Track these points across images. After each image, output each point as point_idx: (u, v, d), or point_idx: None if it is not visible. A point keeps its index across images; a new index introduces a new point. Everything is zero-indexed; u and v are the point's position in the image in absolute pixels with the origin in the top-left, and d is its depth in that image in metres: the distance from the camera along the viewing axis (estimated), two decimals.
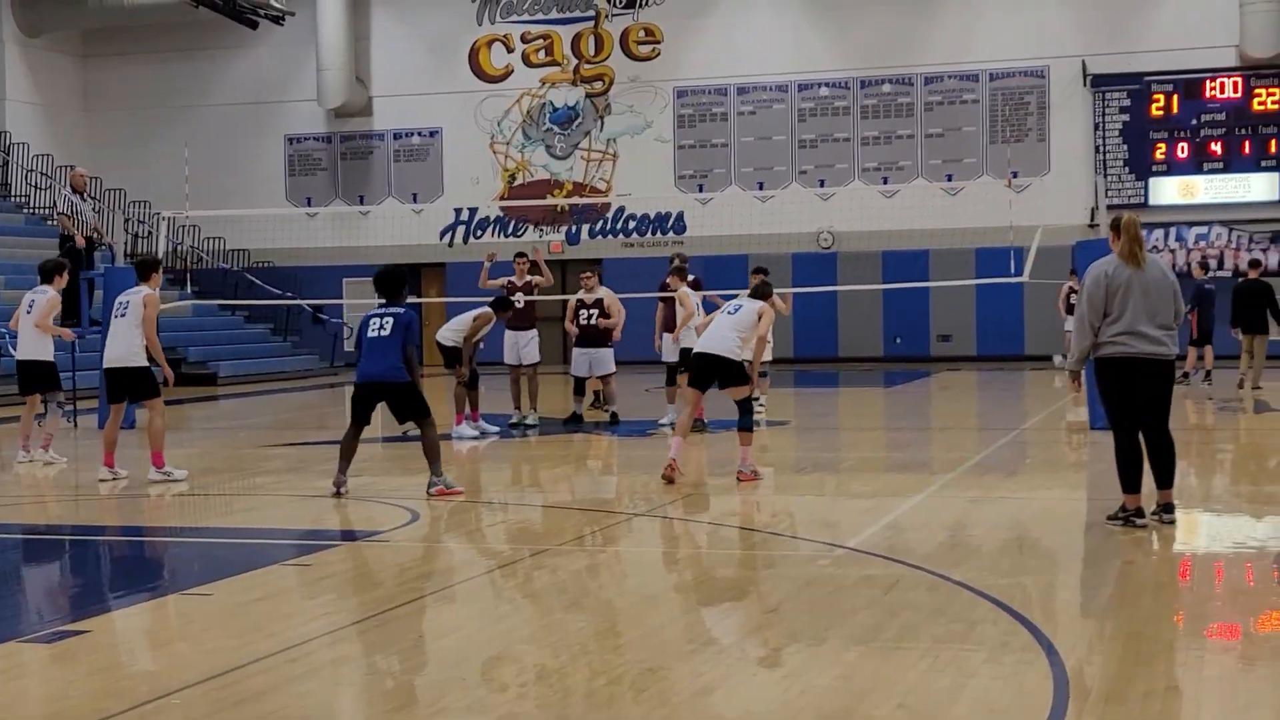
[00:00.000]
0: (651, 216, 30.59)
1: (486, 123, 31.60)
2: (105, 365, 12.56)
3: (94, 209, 21.58)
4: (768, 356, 18.03)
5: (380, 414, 11.58)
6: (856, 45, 29.56)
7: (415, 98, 31.71)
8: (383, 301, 11.28)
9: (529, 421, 16.68)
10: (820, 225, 29.27)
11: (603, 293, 17.17)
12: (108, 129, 33.08)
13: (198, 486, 12.27)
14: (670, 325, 16.85)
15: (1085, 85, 28.49)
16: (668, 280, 16.91)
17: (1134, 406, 9.03)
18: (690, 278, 16.86)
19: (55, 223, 22.47)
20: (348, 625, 6.93)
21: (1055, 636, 6.36)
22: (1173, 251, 27.45)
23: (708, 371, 11.86)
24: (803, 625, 6.73)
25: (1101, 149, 28.29)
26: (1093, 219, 26.51)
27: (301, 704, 5.63)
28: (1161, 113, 28.03)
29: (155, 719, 5.41)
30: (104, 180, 29.66)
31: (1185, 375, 21.20)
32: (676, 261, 17.21)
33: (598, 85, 31.14)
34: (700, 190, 30.23)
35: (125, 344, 12.30)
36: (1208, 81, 27.83)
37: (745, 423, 11.77)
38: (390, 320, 11.00)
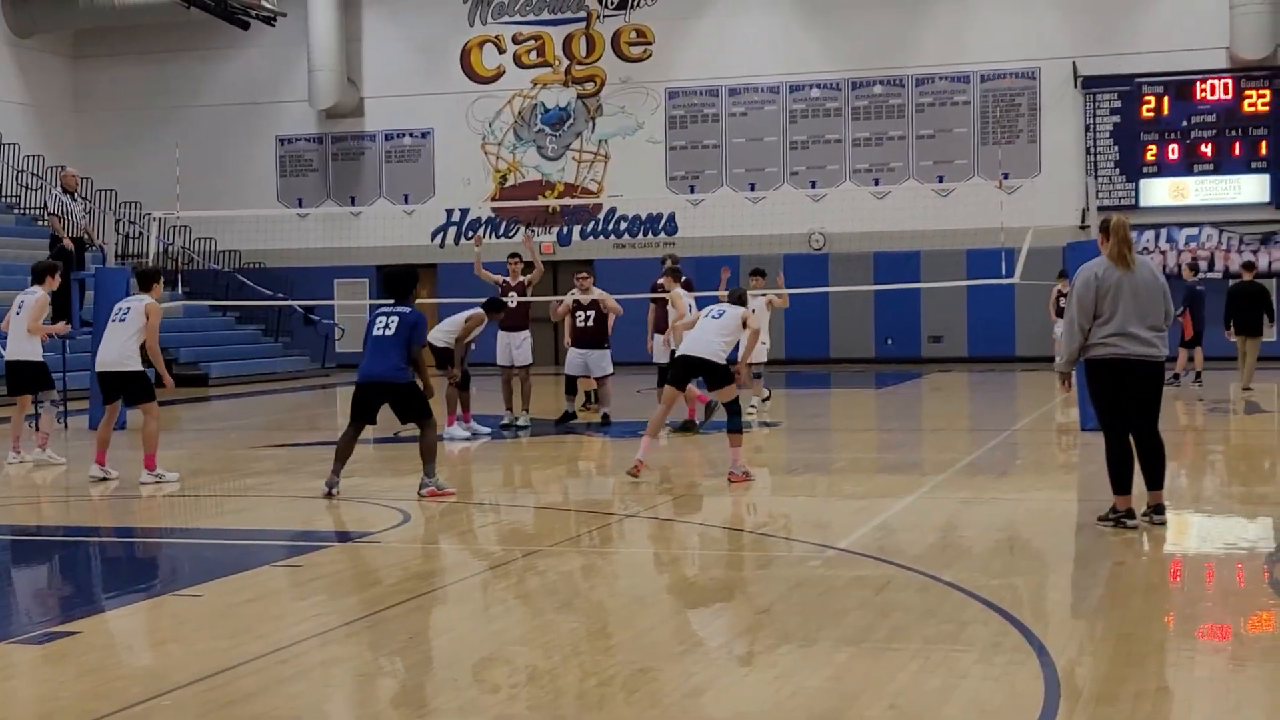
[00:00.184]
0: (643, 218, 30.60)
1: (478, 124, 31.59)
2: (97, 368, 12.54)
3: (85, 210, 21.54)
4: (762, 358, 18.17)
5: (380, 415, 11.53)
6: (848, 47, 29.58)
7: (406, 99, 31.70)
8: (391, 300, 11.26)
9: (520, 423, 16.67)
10: (811, 226, 29.30)
11: (598, 294, 17.20)
12: (99, 129, 33.02)
13: (189, 487, 12.25)
14: (662, 327, 16.86)
15: (1076, 87, 28.54)
16: (661, 282, 16.93)
17: (1124, 408, 9.04)
18: (682, 279, 16.88)
19: (46, 223, 22.44)
20: (339, 626, 6.92)
21: (1046, 637, 6.37)
22: (1163, 253, 27.49)
23: (691, 373, 11.94)
24: (794, 626, 6.73)
25: (1092, 150, 28.34)
26: (1083, 220, 26.54)
27: (292, 705, 5.62)
28: (1152, 114, 28.08)
29: None
30: (95, 181, 29.62)
31: (1176, 377, 21.24)
32: (669, 263, 17.22)
33: (589, 86, 31.15)
34: (692, 191, 30.24)
35: (119, 349, 12.28)
36: (1198, 83, 27.88)
37: (734, 424, 11.78)
38: (396, 320, 10.98)
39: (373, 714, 5.68)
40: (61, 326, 15.40)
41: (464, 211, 30.91)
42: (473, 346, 16.16)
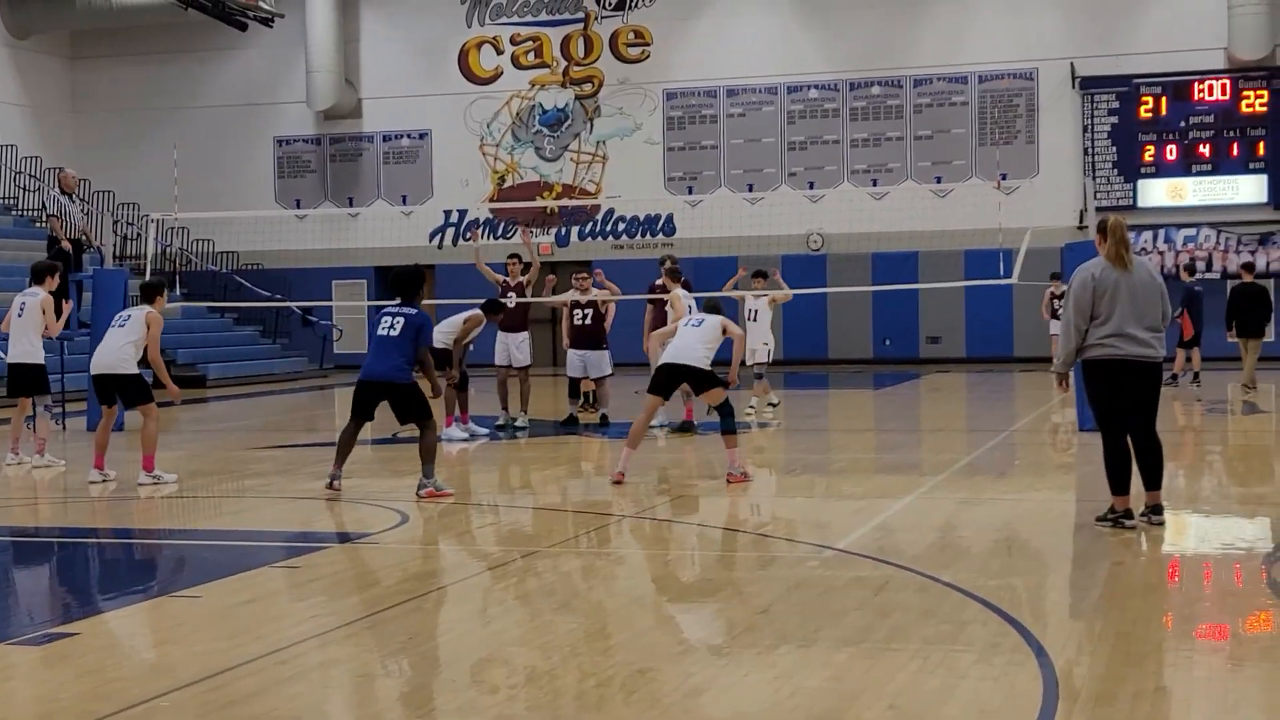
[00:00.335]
0: (641, 219, 30.60)
1: (476, 125, 31.59)
2: (92, 370, 12.53)
3: (83, 211, 21.54)
4: (766, 358, 18.22)
5: (377, 414, 11.54)
6: (845, 47, 29.59)
7: (404, 100, 31.69)
8: (398, 300, 11.26)
9: (519, 424, 16.67)
10: (810, 227, 29.30)
11: (596, 294, 17.23)
12: (96, 131, 33.01)
13: (187, 489, 12.25)
14: (659, 328, 16.84)
15: (1074, 87, 28.55)
16: (661, 283, 16.95)
17: (1121, 409, 9.05)
18: (682, 279, 16.91)
19: (45, 225, 22.43)
20: (337, 627, 6.92)
21: (1045, 637, 6.38)
22: (1161, 253, 27.49)
23: (675, 381, 12.00)
24: (793, 626, 6.73)
25: (1090, 151, 28.35)
26: (1081, 221, 26.59)
27: (291, 706, 5.62)
28: (1150, 115, 28.09)
29: None
30: (92, 182, 29.62)
31: (1174, 377, 21.25)
32: (669, 264, 17.24)
33: (587, 87, 31.15)
34: (690, 192, 30.24)
35: (115, 352, 12.28)
36: (1196, 84, 27.89)
37: (728, 425, 11.79)
38: (401, 321, 10.98)
39: (372, 714, 5.68)
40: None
41: (462, 213, 30.91)
42: (471, 348, 16.16)
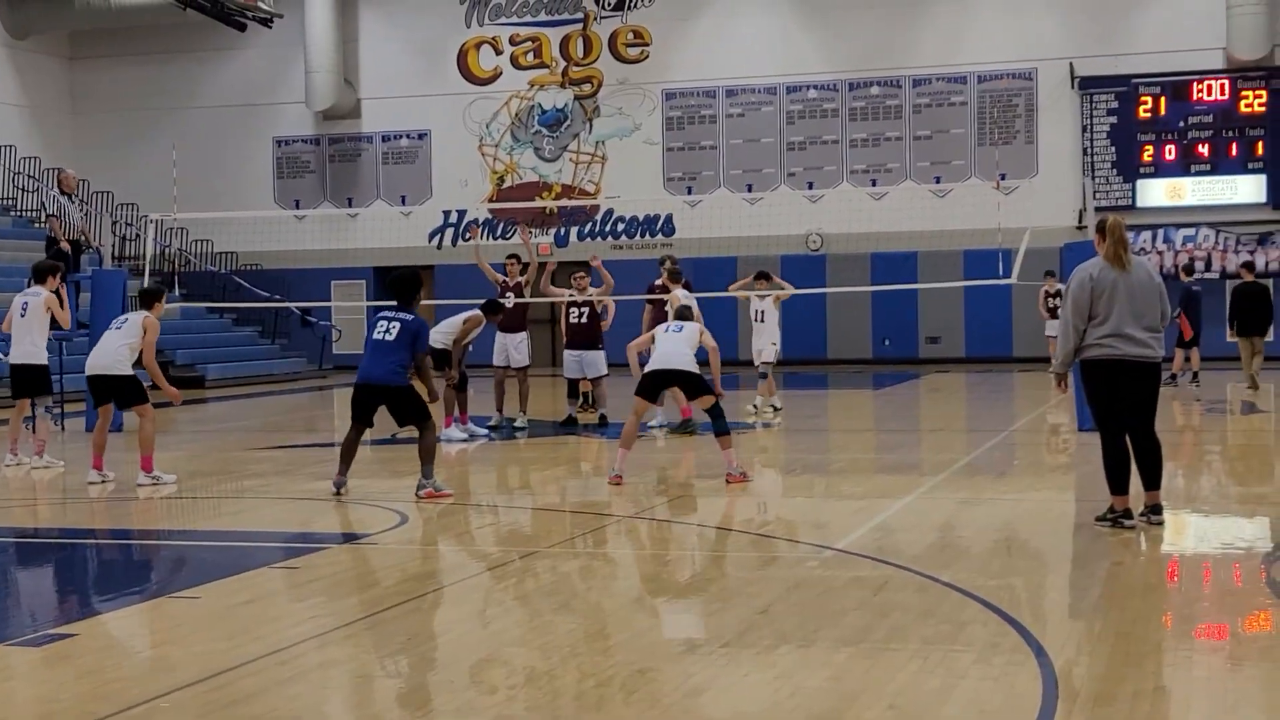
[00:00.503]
0: (640, 219, 30.59)
1: (475, 125, 31.58)
2: (87, 371, 12.51)
3: (82, 212, 21.53)
4: (772, 358, 18.26)
5: (378, 417, 11.54)
6: (845, 47, 29.59)
7: (404, 100, 31.69)
8: (395, 304, 11.26)
9: (518, 424, 16.67)
10: (809, 227, 29.30)
11: (593, 293, 17.25)
12: (95, 131, 33.00)
13: (186, 489, 12.25)
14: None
15: (1073, 87, 28.55)
16: (661, 283, 16.97)
17: (1120, 409, 9.04)
18: (683, 280, 16.94)
19: (44, 225, 22.43)
20: (337, 628, 6.92)
21: (1044, 637, 6.38)
22: (1160, 253, 27.48)
23: (663, 385, 12.11)
24: (792, 626, 6.73)
25: (1089, 151, 28.35)
26: (1080, 221, 26.59)
27: (291, 706, 5.62)
28: (1149, 115, 28.09)
29: None
30: (91, 182, 29.60)
31: (1173, 377, 21.25)
32: (669, 264, 17.25)
33: (586, 87, 31.14)
34: (689, 192, 30.23)
35: (111, 353, 12.28)
36: (1195, 84, 27.88)
37: (720, 427, 11.80)
38: (398, 325, 10.98)
39: (371, 715, 5.68)
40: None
41: (461, 213, 30.91)
42: (470, 348, 16.16)
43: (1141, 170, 28.18)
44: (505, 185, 31.40)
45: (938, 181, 28.49)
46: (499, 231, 30.55)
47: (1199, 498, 11.20)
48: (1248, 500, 11.07)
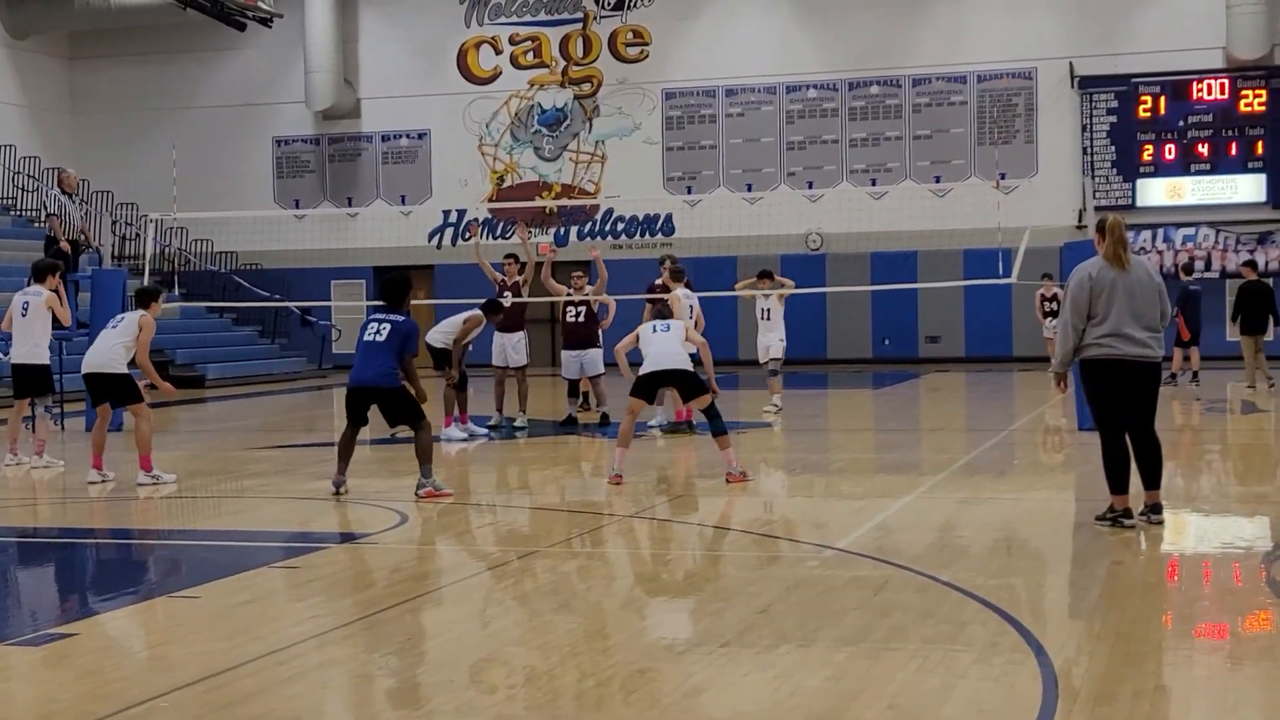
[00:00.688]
0: (640, 218, 30.59)
1: (475, 125, 31.58)
2: (83, 370, 12.51)
3: (82, 213, 21.52)
4: (779, 355, 18.28)
5: (372, 415, 11.56)
6: (844, 47, 29.58)
7: (403, 100, 31.68)
8: (384, 306, 11.27)
9: (518, 424, 16.67)
10: (809, 227, 29.30)
11: (590, 291, 17.26)
12: (95, 131, 33.00)
13: (186, 489, 12.25)
14: None
15: (1073, 87, 28.55)
16: (661, 282, 16.96)
17: (1119, 408, 9.04)
18: (685, 279, 16.95)
19: (45, 224, 22.42)
20: (336, 628, 6.92)
21: (1044, 637, 6.38)
22: (1160, 253, 27.49)
23: (659, 385, 12.13)
24: (792, 626, 6.73)
25: (1089, 150, 28.35)
26: (1080, 220, 26.58)
27: (290, 706, 5.62)
28: (1149, 114, 28.09)
29: None
30: (91, 182, 29.59)
31: (1173, 376, 21.24)
32: (669, 264, 17.25)
33: (586, 87, 31.14)
34: (689, 192, 30.23)
35: (106, 352, 12.29)
36: (1194, 83, 27.89)
37: (718, 427, 11.78)
38: (388, 327, 11.00)
39: (371, 715, 5.68)
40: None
41: (461, 213, 30.90)
42: (470, 348, 16.17)
43: (1141, 170, 28.18)
44: (505, 185, 31.40)
45: (937, 181, 28.49)
46: (499, 231, 30.54)
47: (1199, 497, 11.20)
48: (1248, 499, 11.07)
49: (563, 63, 31.21)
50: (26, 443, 13.93)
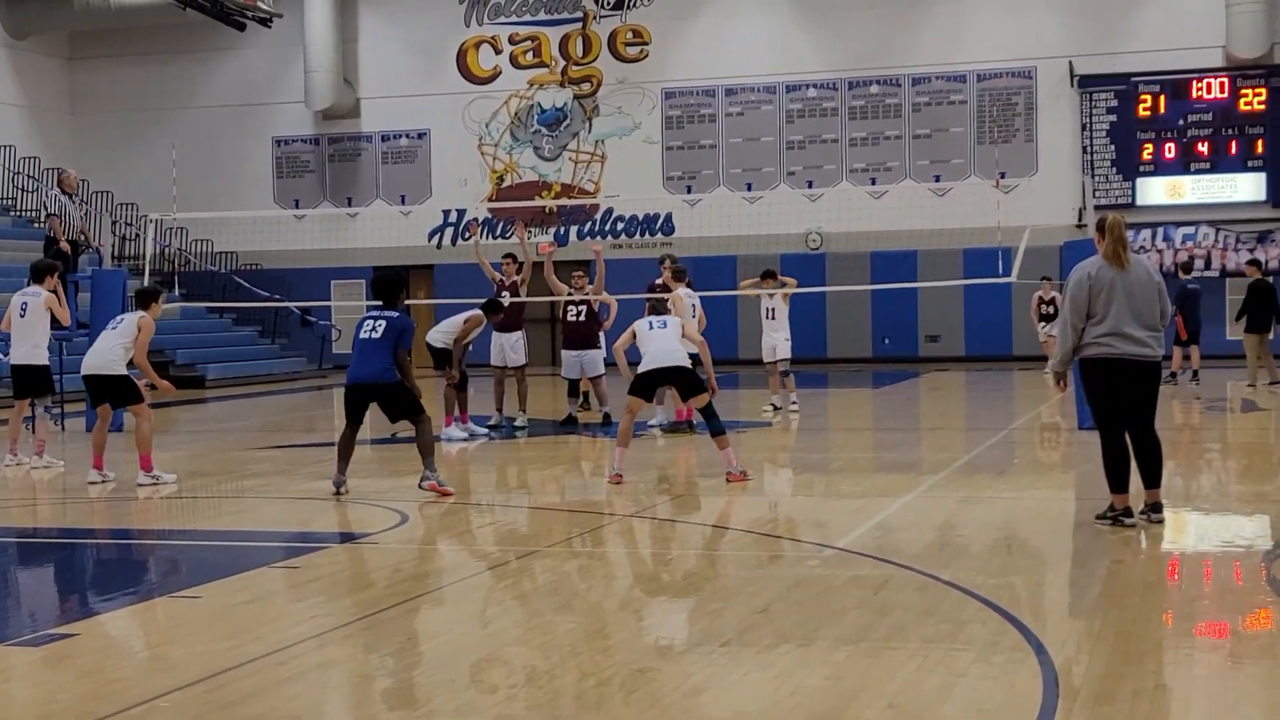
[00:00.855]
0: (640, 218, 30.60)
1: (474, 124, 31.58)
2: (82, 371, 12.51)
3: (81, 213, 21.52)
4: (786, 354, 18.30)
5: (371, 415, 11.57)
6: (844, 46, 29.58)
7: (403, 99, 31.69)
8: (379, 304, 11.30)
9: (518, 424, 16.67)
10: (808, 226, 29.30)
11: (589, 290, 17.27)
12: (95, 131, 33.01)
13: (186, 489, 12.25)
14: None
15: (1072, 86, 28.55)
16: (661, 282, 16.96)
17: (1119, 407, 9.04)
18: (686, 279, 16.96)
19: (45, 225, 22.42)
20: (337, 628, 6.92)
21: (1044, 636, 6.38)
22: (1160, 252, 27.49)
23: (658, 383, 12.14)
24: (792, 625, 6.73)
25: (1089, 149, 28.35)
26: (1080, 219, 26.57)
27: (290, 706, 5.62)
28: (1148, 113, 28.09)
29: None
30: (91, 183, 29.60)
31: (1173, 375, 21.24)
32: (669, 263, 17.25)
33: (586, 87, 31.14)
34: (688, 191, 30.24)
35: (105, 353, 12.29)
36: (1194, 82, 27.89)
37: (716, 426, 11.78)
38: (383, 324, 11.04)
39: (370, 715, 5.67)
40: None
41: (460, 212, 30.91)
42: (470, 348, 16.17)
43: (1141, 168, 28.18)
44: (505, 184, 31.40)
45: (937, 180, 28.49)
46: (498, 231, 30.54)
47: (1199, 496, 11.20)
48: (1248, 498, 11.07)
49: (562, 62, 31.22)
50: (26, 443, 13.93)
